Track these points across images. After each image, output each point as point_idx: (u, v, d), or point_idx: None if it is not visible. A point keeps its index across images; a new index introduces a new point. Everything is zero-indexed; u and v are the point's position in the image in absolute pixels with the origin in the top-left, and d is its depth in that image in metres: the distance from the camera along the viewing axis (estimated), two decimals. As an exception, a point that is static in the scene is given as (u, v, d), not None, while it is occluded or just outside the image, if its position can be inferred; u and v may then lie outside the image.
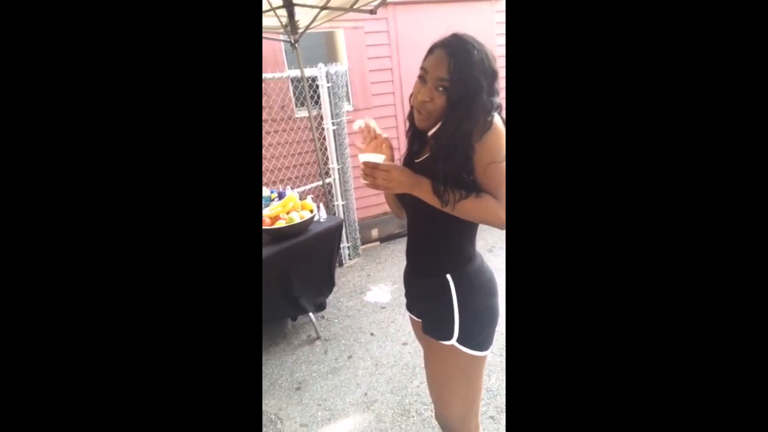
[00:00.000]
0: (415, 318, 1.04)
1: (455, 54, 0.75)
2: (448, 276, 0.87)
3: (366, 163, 0.79)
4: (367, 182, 0.80)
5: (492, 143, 0.75)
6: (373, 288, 2.62)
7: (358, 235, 3.13)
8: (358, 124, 0.96)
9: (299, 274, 2.01)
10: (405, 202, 0.91)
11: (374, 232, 3.34)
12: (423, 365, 1.77)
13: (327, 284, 2.24)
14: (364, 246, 3.24)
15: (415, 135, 0.92)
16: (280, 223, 1.92)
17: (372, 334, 2.12)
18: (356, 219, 3.11)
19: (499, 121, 0.76)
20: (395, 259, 3.04)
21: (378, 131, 0.94)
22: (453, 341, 0.86)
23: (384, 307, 2.36)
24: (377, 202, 3.27)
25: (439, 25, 3.32)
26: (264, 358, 2.01)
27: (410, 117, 0.89)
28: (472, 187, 0.77)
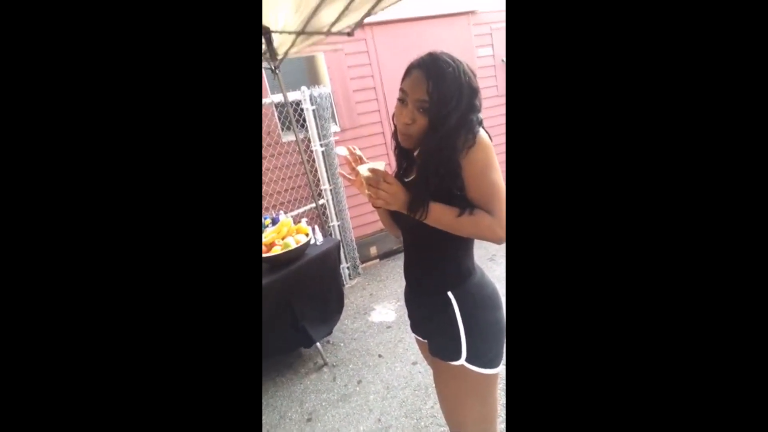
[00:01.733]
0: (420, 339, 1.01)
1: (432, 74, 0.75)
2: (450, 294, 0.84)
3: (374, 171, 0.76)
4: (369, 194, 0.77)
5: (479, 158, 0.74)
6: (377, 307, 2.56)
7: (356, 254, 3.08)
8: (341, 151, 0.94)
9: (303, 301, 1.96)
10: (399, 220, 0.89)
11: (373, 250, 3.30)
12: (434, 384, 1.72)
13: (335, 307, 2.18)
14: (363, 264, 3.20)
15: (402, 153, 0.91)
16: (276, 250, 1.88)
17: (380, 356, 2.05)
18: (353, 238, 3.08)
19: (484, 135, 0.76)
20: (396, 275, 2.99)
21: (363, 157, 0.93)
22: (462, 361, 0.82)
23: (390, 327, 2.30)
24: (373, 219, 3.24)
25: (417, 41, 3.38)
26: (271, 390, 1.94)
27: (395, 136, 0.89)
28: (464, 204, 0.76)
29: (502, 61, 3.65)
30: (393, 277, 2.98)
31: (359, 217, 3.17)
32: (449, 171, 0.75)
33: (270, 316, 1.78)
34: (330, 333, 2.18)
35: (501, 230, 0.73)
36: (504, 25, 3.61)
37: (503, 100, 3.77)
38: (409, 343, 2.09)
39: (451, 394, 0.87)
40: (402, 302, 2.52)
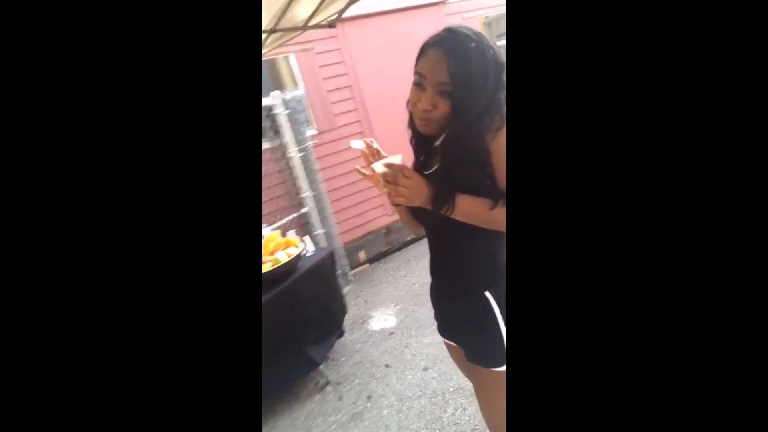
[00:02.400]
0: (450, 343, 0.91)
1: (453, 52, 0.66)
2: (488, 293, 0.75)
3: (390, 166, 0.67)
4: (387, 191, 0.68)
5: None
6: (375, 314, 2.45)
7: (345, 261, 2.96)
8: (356, 144, 0.84)
9: (302, 320, 1.81)
10: (423, 216, 0.80)
11: (362, 255, 3.18)
12: (453, 389, 1.64)
13: (337, 320, 2.05)
14: (353, 271, 3.08)
15: (420, 144, 0.82)
16: (267, 267, 1.73)
17: (387, 365, 1.95)
18: (341, 244, 2.95)
19: None
20: (389, 278, 2.89)
21: (381, 150, 0.84)
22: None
23: (392, 333, 2.20)
24: (360, 223, 3.13)
25: (390, 35, 3.29)
26: (271, 421, 1.78)
27: (411, 125, 0.79)
28: (495, 194, 0.68)
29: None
30: (386, 280, 2.88)
31: (344, 222, 3.05)
32: (477, 158, 0.67)
33: (269, 347, 1.51)
34: (332, 348, 2.05)
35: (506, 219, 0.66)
36: (476, 14, 3.59)
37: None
38: (416, 348, 2.00)
39: (499, 403, 0.79)
40: (401, 306, 2.43)
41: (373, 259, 3.23)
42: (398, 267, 3.03)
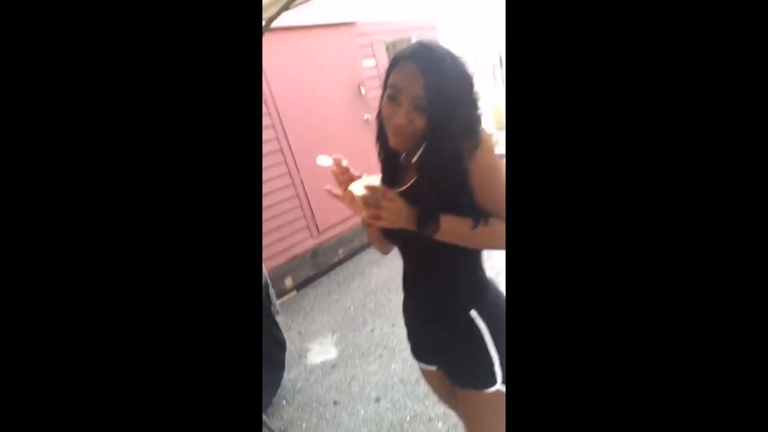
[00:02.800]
0: (428, 368, 0.88)
1: (428, 67, 0.65)
2: (473, 312, 0.74)
3: (372, 189, 0.64)
4: (368, 215, 0.65)
5: (486, 159, 0.66)
6: (313, 346, 2.30)
7: (272, 290, 2.72)
8: (323, 161, 0.77)
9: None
10: (396, 236, 0.76)
11: (288, 281, 2.97)
12: (409, 418, 1.60)
13: (276, 359, 1.85)
14: (281, 300, 2.85)
15: (388, 159, 0.79)
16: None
17: (335, 402, 1.83)
18: (265, 272, 2.70)
19: (486, 133, 0.68)
20: (321, 304, 2.75)
21: (350, 169, 0.78)
22: (498, 386, 0.74)
23: (335, 365, 2.08)
24: (284, 247, 2.93)
25: (304, 51, 3.20)
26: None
27: (381, 139, 0.76)
28: (472, 212, 0.68)
29: (387, 71, 3.74)
30: (318, 307, 2.73)
31: (267, 248, 2.82)
32: (456, 177, 0.67)
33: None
34: (275, 395, 1.84)
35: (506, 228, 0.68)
36: (383, 37, 3.70)
37: (392, 109, 3.87)
38: (364, 378, 1.92)
39: (490, 425, 0.78)
40: (339, 334, 2.32)
41: (301, 285, 3.04)
42: (329, 291, 2.90)
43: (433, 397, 1.67)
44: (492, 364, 0.74)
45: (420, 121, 0.67)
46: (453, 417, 1.54)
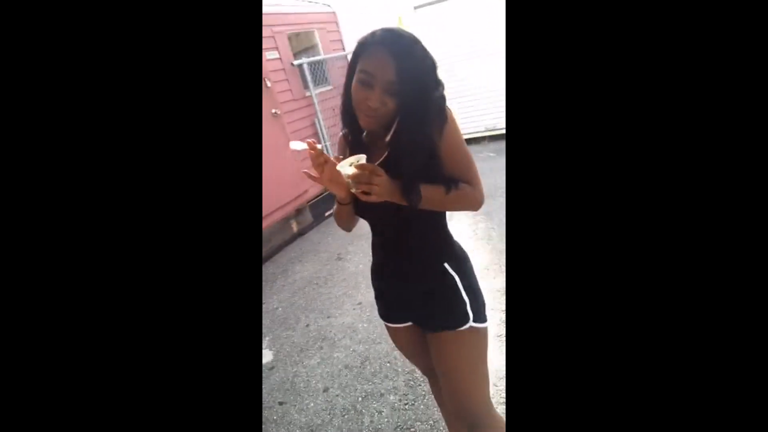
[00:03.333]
0: (400, 325, 0.96)
1: (399, 53, 0.72)
2: (446, 265, 0.85)
3: (362, 167, 0.68)
4: (361, 190, 0.69)
5: (452, 134, 0.76)
6: (244, 352, 2.15)
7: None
8: (296, 146, 0.78)
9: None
10: (373, 209, 0.81)
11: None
12: (361, 398, 1.64)
13: None
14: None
15: (356, 138, 0.84)
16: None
17: (281, 402, 1.76)
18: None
19: (449, 110, 0.78)
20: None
21: (324, 152, 0.79)
22: (470, 323, 0.85)
23: (273, 367, 1.99)
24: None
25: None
26: None
27: (348, 120, 0.82)
28: (441, 179, 0.77)
29: (292, 64, 3.64)
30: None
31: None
32: (427, 152, 0.75)
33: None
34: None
35: (482, 197, 0.80)
36: (283, 28, 3.60)
37: (299, 103, 3.79)
38: (308, 373, 1.89)
39: (465, 361, 0.88)
40: (272, 334, 2.23)
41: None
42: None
43: (382, 374, 1.74)
44: (465, 304, 0.85)
45: (392, 103, 0.73)
46: (403, 388, 1.64)
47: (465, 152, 0.78)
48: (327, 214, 3.72)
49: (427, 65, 0.74)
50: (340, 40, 4.54)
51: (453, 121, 0.76)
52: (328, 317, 2.26)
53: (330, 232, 3.46)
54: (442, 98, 0.77)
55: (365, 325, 2.10)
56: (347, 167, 0.70)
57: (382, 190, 0.69)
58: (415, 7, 4.55)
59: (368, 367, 1.80)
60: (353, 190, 0.71)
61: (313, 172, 0.75)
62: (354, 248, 3.01)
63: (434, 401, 1.51)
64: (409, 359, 1.08)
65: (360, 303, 2.31)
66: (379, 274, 0.95)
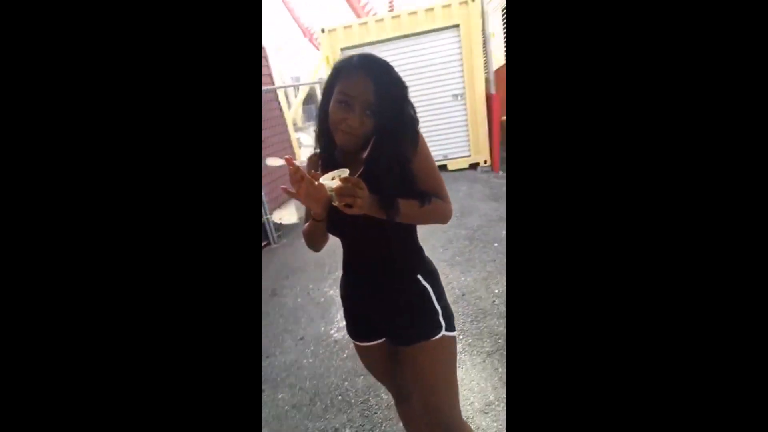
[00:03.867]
0: (372, 343, 0.98)
1: (377, 76, 0.80)
2: (419, 276, 0.90)
3: (346, 180, 0.71)
4: (344, 203, 0.72)
5: (424, 151, 0.84)
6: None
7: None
8: (272, 162, 0.80)
9: None
10: (345, 224, 0.85)
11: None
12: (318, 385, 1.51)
13: None
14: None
15: (330, 155, 0.89)
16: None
17: None
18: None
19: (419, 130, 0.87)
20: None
21: (300, 168, 0.81)
22: (443, 332, 0.90)
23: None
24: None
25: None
26: None
27: (325, 138, 0.87)
28: (413, 194, 0.84)
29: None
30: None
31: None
32: (401, 168, 0.82)
33: None
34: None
35: (451, 210, 0.87)
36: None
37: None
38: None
39: (441, 371, 0.91)
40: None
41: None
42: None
43: (335, 408, 1.67)
44: (438, 314, 0.89)
45: (370, 123, 0.80)
46: (359, 419, 1.58)
47: (435, 168, 0.86)
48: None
49: (401, 88, 0.82)
50: (270, 75, 4.56)
51: (422, 137, 0.84)
52: (267, 357, 2.11)
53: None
54: (415, 119, 0.85)
55: (310, 360, 2.00)
56: (330, 181, 0.73)
57: (365, 202, 0.72)
58: (342, 49, 4.81)
59: (318, 404, 1.71)
60: (335, 203, 0.73)
61: (292, 189, 0.76)
62: (290, 282, 2.89)
63: (392, 428, 1.49)
64: (378, 379, 1.08)
65: (302, 338, 2.20)
66: (351, 291, 0.96)
